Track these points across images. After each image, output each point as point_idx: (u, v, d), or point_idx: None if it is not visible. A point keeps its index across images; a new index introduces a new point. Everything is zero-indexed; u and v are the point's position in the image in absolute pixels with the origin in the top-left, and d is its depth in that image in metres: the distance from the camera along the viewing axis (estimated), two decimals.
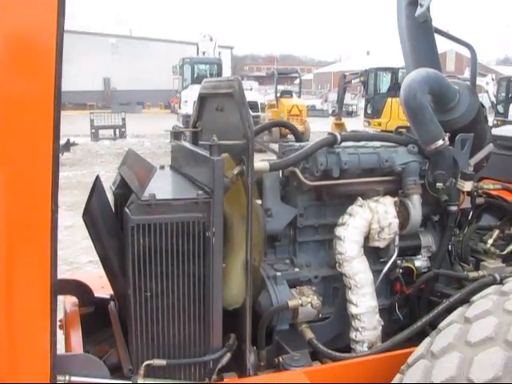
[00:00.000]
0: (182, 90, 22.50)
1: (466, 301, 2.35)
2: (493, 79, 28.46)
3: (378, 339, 2.75)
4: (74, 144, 18.23)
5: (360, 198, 2.79)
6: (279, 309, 2.58)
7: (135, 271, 2.21)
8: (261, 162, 2.59)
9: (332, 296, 2.92)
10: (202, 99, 2.97)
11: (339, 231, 2.73)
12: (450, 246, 3.06)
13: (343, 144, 2.85)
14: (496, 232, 3.35)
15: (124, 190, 2.63)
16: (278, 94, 24.13)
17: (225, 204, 2.32)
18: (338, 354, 2.56)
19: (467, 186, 2.93)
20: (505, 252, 3.28)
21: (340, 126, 22.90)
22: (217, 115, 2.73)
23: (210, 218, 2.24)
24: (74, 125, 22.87)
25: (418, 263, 2.95)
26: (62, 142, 18.12)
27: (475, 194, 3.04)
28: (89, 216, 2.56)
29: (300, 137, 3.18)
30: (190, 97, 20.53)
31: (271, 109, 24.33)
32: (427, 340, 2.24)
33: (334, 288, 2.90)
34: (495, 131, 4.13)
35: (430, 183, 2.89)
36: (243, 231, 2.35)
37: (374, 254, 2.93)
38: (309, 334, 2.64)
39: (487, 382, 1.87)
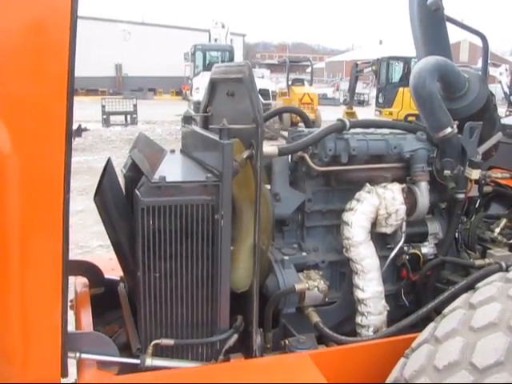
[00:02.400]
0: (194, 76, 22.45)
1: (471, 288, 2.38)
2: (506, 70, 28.21)
3: (383, 324, 2.78)
4: (85, 129, 18.31)
5: (368, 184, 2.82)
6: (286, 292, 2.61)
7: (145, 252, 2.25)
8: (270, 146, 2.61)
9: (339, 281, 2.96)
10: (213, 84, 3.00)
11: (347, 216, 2.76)
12: (456, 234, 3.08)
13: (352, 130, 2.88)
14: (503, 221, 3.37)
15: (134, 173, 2.66)
16: (290, 82, 24.04)
17: (234, 188, 2.35)
18: (343, 337, 2.60)
19: (475, 174, 2.95)
20: (511, 241, 3.30)
21: (351, 114, 22.81)
22: (227, 100, 2.75)
23: (218, 201, 2.27)
24: (85, 110, 22.96)
25: (424, 250, 2.97)
26: (74, 127, 18.20)
27: (483, 182, 3.05)
28: (100, 198, 2.59)
29: (309, 123, 3.21)
30: (201, 84, 20.51)
31: (282, 97, 24.25)
32: (432, 325, 2.27)
33: (341, 273, 2.93)
34: (505, 120, 4.13)
35: (438, 170, 2.92)
36: (252, 215, 2.38)
37: (381, 239, 2.96)
38: (315, 318, 2.68)
39: (489, 366, 1.90)
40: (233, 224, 2.39)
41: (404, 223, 2.86)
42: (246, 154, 2.35)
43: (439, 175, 2.91)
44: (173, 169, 2.54)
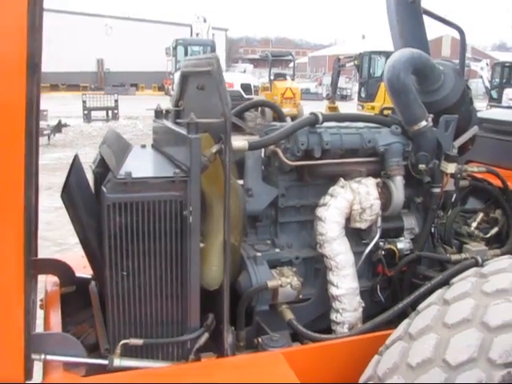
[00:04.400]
0: (175, 71, 22.34)
1: (447, 283, 2.36)
2: (487, 64, 28.44)
3: (358, 321, 2.75)
4: (65, 125, 18.14)
5: (342, 179, 2.77)
6: (258, 289, 2.57)
7: (111, 250, 2.20)
8: (240, 140, 2.56)
9: (313, 277, 2.91)
10: (184, 78, 2.94)
11: (320, 212, 2.71)
12: (433, 229, 3.04)
13: (328, 124, 2.83)
14: (480, 215, 3.35)
15: (103, 168, 2.61)
16: (272, 77, 24.00)
17: (204, 183, 2.31)
18: (317, 335, 2.56)
19: (450, 168, 2.91)
20: (488, 235, 3.28)
21: (333, 109, 22.81)
22: (198, 94, 2.70)
23: (187, 197, 2.22)
24: (66, 106, 22.80)
25: (400, 245, 2.93)
26: (54, 123, 18.07)
27: (459, 176, 3.01)
28: (67, 195, 2.53)
29: (283, 116, 3.15)
30: None
31: (265, 91, 24.24)
32: (406, 321, 2.24)
33: (316, 269, 2.89)
34: (482, 114, 4.11)
35: (413, 164, 2.88)
36: (222, 211, 2.33)
37: (356, 235, 2.92)
38: (288, 315, 2.63)
39: (462, 362, 1.88)
40: (203, 220, 2.35)
41: (379, 218, 2.82)
42: (215, 149, 2.30)
43: (414, 169, 2.87)
44: (141, 164, 2.48)
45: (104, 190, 2.17)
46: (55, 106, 26.21)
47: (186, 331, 2.36)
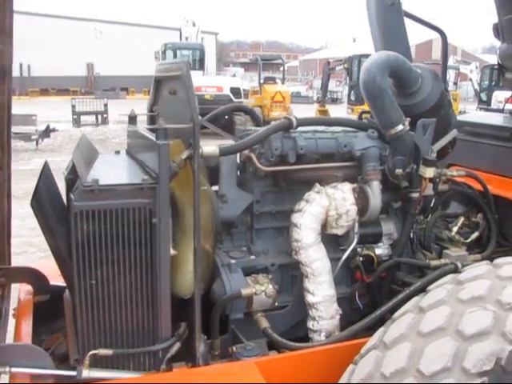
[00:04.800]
0: None
1: (425, 289, 2.32)
2: (476, 67, 28.54)
3: (335, 328, 2.70)
4: (53, 130, 18.04)
5: (318, 184, 2.73)
6: (232, 297, 2.52)
7: (79, 259, 2.16)
8: (210, 146, 2.52)
9: (290, 284, 2.87)
10: (157, 82, 2.90)
11: (295, 218, 2.67)
12: (412, 234, 3.00)
13: (305, 128, 2.79)
14: (461, 219, 3.31)
15: (75, 175, 2.56)
16: (262, 81, 23.96)
17: (176, 190, 2.28)
18: (292, 343, 2.51)
19: (429, 172, 2.87)
20: (469, 240, 3.24)
21: (324, 112, 22.79)
22: (170, 99, 2.65)
23: (155, 204, 2.18)
24: (56, 111, 22.68)
25: (378, 251, 2.89)
26: (42, 127, 17.98)
27: (437, 180, 2.97)
28: (36, 203, 2.48)
29: (259, 121, 3.10)
30: None
31: (254, 95, 24.19)
32: (381, 330, 2.20)
33: (293, 276, 2.84)
34: (463, 117, 4.09)
35: (390, 169, 2.83)
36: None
37: (333, 241, 2.87)
38: (264, 323, 2.58)
39: (436, 372, 1.83)
40: (176, 227, 2.31)
41: (356, 224, 2.78)
42: (185, 155, 2.26)
43: (391, 174, 2.82)
44: (110, 171, 2.44)
45: (72, 197, 2.13)
46: (44, 110, 26.12)
47: (157, 341, 2.31)
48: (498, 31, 4.08)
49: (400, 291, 2.67)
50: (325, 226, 2.72)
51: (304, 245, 2.63)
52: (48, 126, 17.51)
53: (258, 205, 2.79)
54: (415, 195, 2.90)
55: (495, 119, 3.80)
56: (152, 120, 2.98)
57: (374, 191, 2.78)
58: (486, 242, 3.29)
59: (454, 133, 3.14)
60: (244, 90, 23.83)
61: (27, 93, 39.96)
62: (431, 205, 3.12)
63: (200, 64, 23.21)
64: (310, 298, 2.67)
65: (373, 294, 2.90)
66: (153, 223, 2.19)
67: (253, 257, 2.73)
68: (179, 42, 24.26)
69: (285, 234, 2.85)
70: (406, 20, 3.78)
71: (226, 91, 20.07)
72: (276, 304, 2.64)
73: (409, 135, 2.84)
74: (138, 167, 2.51)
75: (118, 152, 2.89)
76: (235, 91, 20.18)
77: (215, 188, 2.76)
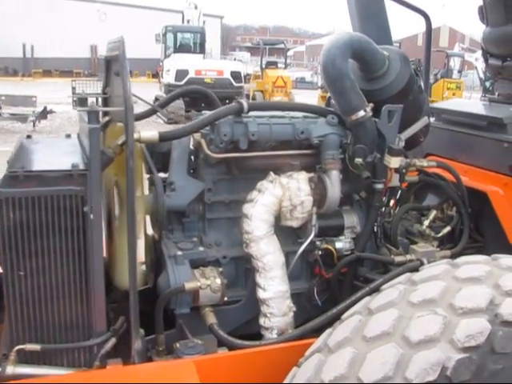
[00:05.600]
0: (165, 58, 22.05)
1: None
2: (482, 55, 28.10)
3: (288, 326, 2.56)
4: (50, 112, 17.87)
5: (272, 173, 2.58)
6: (175, 291, 2.38)
7: (6, 249, 2.05)
8: (150, 131, 2.37)
9: (245, 278, 2.72)
10: (107, 63, 2.74)
11: (246, 208, 2.52)
12: (376, 227, 2.84)
13: (257, 113, 2.64)
14: (433, 213, 3.16)
15: None
16: (264, 65, 23.71)
17: (119, 177, 2.18)
18: (238, 341, 2.36)
19: (394, 162, 2.70)
20: (440, 234, 3.08)
21: (326, 98, 22.53)
22: (117, 80, 2.50)
23: (87, 192, 2.04)
24: (58, 92, 22.47)
25: (339, 245, 2.73)
26: (39, 109, 17.81)
27: (404, 171, 2.80)
28: None
29: (216, 104, 2.94)
30: (172, 66, 20.13)
31: (256, 80, 23.99)
32: (328, 331, 2.06)
33: (247, 269, 2.69)
34: (441, 104, 3.92)
35: (350, 158, 2.66)
36: (138, 205, 2.17)
37: (293, 233, 2.73)
38: (210, 319, 2.43)
39: (376, 381, 1.69)
40: (119, 215, 2.18)
41: (314, 216, 2.63)
42: (120, 140, 2.11)
43: (351, 163, 2.65)
44: (43, 157, 2.31)
45: None
46: (46, 92, 25.91)
47: (92, 335, 2.19)
48: (482, 15, 3.90)
49: (362, 288, 2.52)
50: (279, 217, 2.57)
51: (255, 237, 2.48)
52: (45, 108, 17.33)
53: (209, 193, 2.64)
54: (379, 186, 2.74)
55: (473, 107, 3.62)
56: (105, 102, 2.83)
57: (333, 181, 2.61)
58: (457, 237, 3.13)
59: (424, 120, 2.95)
60: (248, 75, 23.58)
61: (30, 74, 39.74)
62: (397, 197, 2.96)
63: (200, 47, 22.90)
64: (261, 294, 2.52)
65: (333, 290, 2.75)
66: (85, 212, 2.05)
67: (202, 248, 2.57)
68: (179, 25, 23.97)
69: (239, 224, 2.70)
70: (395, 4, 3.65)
71: (227, 75, 19.80)
72: (226, 299, 2.49)
73: (371, 122, 2.66)
74: (80, 152, 2.36)
75: (68, 136, 2.75)
76: (236, 75, 19.92)
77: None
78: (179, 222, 2.68)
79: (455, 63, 26.03)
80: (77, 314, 2.17)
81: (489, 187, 3.14)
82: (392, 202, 3.04)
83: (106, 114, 2.73)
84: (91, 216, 2.05)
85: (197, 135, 2.58)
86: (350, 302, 2.39)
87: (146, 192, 2.50)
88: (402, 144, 2.78)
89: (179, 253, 2.46)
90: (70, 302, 2.15)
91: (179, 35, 22.68)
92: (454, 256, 2.93)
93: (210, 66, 20.53)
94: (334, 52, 2.59)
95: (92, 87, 24.25)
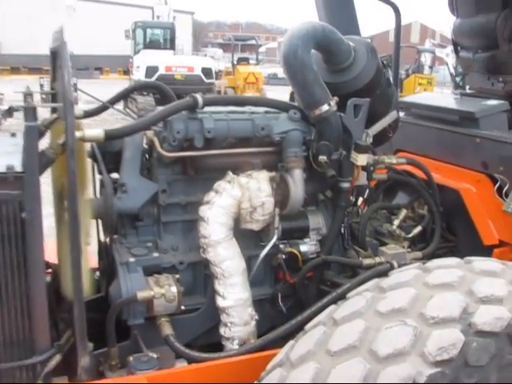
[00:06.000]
0: (135, 54, 21.75)
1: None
2: (452, 51, 28.29)
3: (251, 335, 2.40)
4: (17, 110, 17.44)
5: (230, 173, 2.41)
6: (127, 301, 2.21)
7: None
8: (95, 129, 2.19)
9: (204, 284, 2.55)
10: (53, 55, 2.54)
11: (203, 211, 2.35)
12: (342, 229, 2.69)
13: (226, 109, 2.49)
14: (403, 212, 3.02)
15: None
16: (235, 61, 23.52)
17: (63, 178, 2.00)
18: (195, 354, 2.19)
19: (361, 159, 2.55)
20: (411, 235, 2.94)
21: None
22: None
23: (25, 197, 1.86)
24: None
25: (304, 248, 2.57)
26: (5, 107, 17.42)
27: (372, 168, 2.65)
28: None
29: (171, 99, 2.76)
30: (142, 62, 19.86)
31: (227, 76, 23.80)
32: (290, 343, 1.90)
33: (206, 275, 2.51)
34: (410, 98, 3.78)
35: (314, 155, 2.50)
36: (84, 208, 2.02)
37: (255, 236, 2.57)
38: (166, 330, 2.26)
39: None
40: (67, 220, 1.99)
41: (276, 218, 2.47)
42: (62, 140, 1.93)
43: (315, 161, 2.49)
44: None
45: None
46: (15, 89, 25.42)
47: (35, 353, 2.00)
48: (452, 6, 3.77)
49: (328, 293, 2.37)
50: (238, 220, 2.41)
51: (212, 242, 2.32)
52: (11, 106, 16.91)
53: (164, 195, 2.46)
54: (345, 185, 2.59)
55: (444, 101, 3.48)
56: (54, 98, 2.64)
57: (296, 181, 2.45)
58: (429, 237, 3.00)
59: (393, 115, 2.80)
60: (220, 71, 23.37)
61: None
62: (365, 196, 2.81)
63: (171, 43, 22.65)
64: (220, 302, 2.36)
65: (298, 295, 2.60)
66: (22, 218, 1.87)
67: (157, 254, 2.40)
68: (149, 21, 23.71)
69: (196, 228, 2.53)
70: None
71: (198, 71, 19.56)
72: (183, 307, 2.32)
73: (336, 117, 2.50)
74: (22, 153, 2.18)
75: (13, 134, 2.55)
76: (207, 72, 19.68)
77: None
78: (133, 226, 2.49)
79: (426, 59, 26.11)
80: (17, 329, 1.98)
81: (461, 185, 3.01)
82: (360, 202, 2.90)
83: (54, 110, 2.55)
84: (29, 222, 1.86)
85: (149, 133, 2.40)
86: (315, 309, 2.24)
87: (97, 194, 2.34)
88: (370, 140, 2.63)
89: (131, 259, 2.29)
90: (9, 317, 1.96)
91: (149, 31, 22.40)
92: (425, 257, 2.81)
93: (181, 62, 20.26)
94: (295, 42, 2.42)
95: None
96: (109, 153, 2.50)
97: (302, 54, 2.41)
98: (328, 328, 1.83)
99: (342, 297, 2.15)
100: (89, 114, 2.67)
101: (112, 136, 2.24)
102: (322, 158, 2.44)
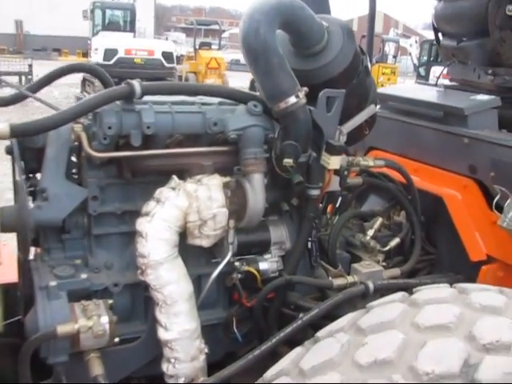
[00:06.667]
0: (93, 36, 21.02)
1: (329, 317, 1.78)
2: (416, 41, 28.52)
3: (199, 372, 2.02)
4: None
5: (175, 177, 1.99)
6: (44, 338, 1.78)
7: None
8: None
9: (144, 309, 2.13)
10: None
11: (141, 224, 1.93)
12: (309, 243, 2.29)
13: (172, 99, 2.08)
14: (379, 221, 2.65)
15: None
16: (197, 46, 22.99)
17: None
18: None
19: (334, 162, 2.15)
20: (387, 247, 2.57)
21: None
22: None
23: None
24: None
25: (263, 265, 2.18)
26: None
27: (346, 173, 2.25)
28: None
29: (108, 84, 2.33)
30: (100, 44, 19.23)
31: (189, 61, 23.27)
32: None
33: (147, 297, 2.09)
34: (386, 90, 3.40)
35: (278, 158, 2.09)
36: None
37: (205, 251, 2.16)
38: (95, 370, 1.85)
39: None
40: None
41: (232, 231, 2.06)
42: None
43: (279, 164, 2.09)
44: None
45: None
46: None
47: None
48: None
49: (294, 318, 1.99)
50: (184, 234, 2.00)
51: (152, 262, 1.90)
52: None
53: (94, 203, 2.02)
54: (314, 193, 2.19)
55: (427, 94, 3.09)
56: None
57: (256, 187, 2.04)
58: (408, 250, 2.63)
59: (371, 109, 2.40)
60: (182, 56, 22.86)
61: None
62: (337, 204, 2.42)
63: (131, 26, 21.96)
64: (162, 334, 1.95)
65: (257, 320, 2.20)
66: None
67: (85, 275, 1.97)
68: (108, 1, 22.86)
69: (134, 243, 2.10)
70: None
71: (158, 55, 19.02)
72: (117, 340, 1.91)
73: (305, 111, 2.09)
74: None
75: None
76: (167, 56, 19.14)
77: None
78: (58, 240, 2.05)
79: (390, 48, 26.16)
80: None
81: (445, 190, 2.63)
82: (329, 210, 2.52)
83: None
84: None
85: (78, 127, 1.96)
86: (275, 340, 1.87)
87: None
88: (344, 139, 2.24)
89: (53, 283, 1.86)
90: None
91: (108, 12, 21.71)
92: (403, 274, 2.45)
93: (141, 45, 19.70)
94: (257, 18, 1.98)
95: (15, 65, 23.08)
96: (30, 149, 2.05)
97: (264, 33, 1.98)
98: (293, 380, 1.45)
99: (309, 324, 1.88)
100: (5, 102, 2.21)
101: (22, 132, 1.80)
102: (288, 160, 2.02)
